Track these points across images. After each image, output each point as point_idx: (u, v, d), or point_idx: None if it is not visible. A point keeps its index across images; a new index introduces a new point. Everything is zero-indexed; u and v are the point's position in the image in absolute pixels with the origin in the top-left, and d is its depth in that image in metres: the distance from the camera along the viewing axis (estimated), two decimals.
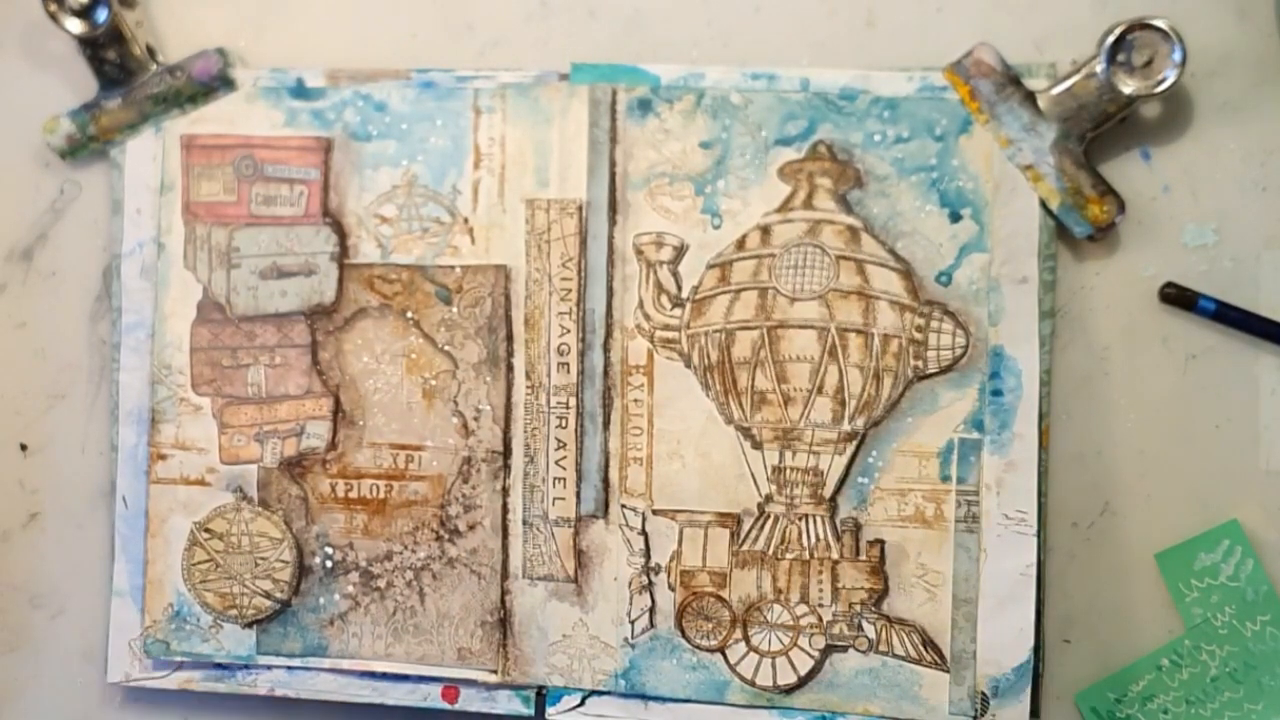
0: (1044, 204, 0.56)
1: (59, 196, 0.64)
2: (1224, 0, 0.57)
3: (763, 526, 0.58)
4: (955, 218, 0.57)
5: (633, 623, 0.58)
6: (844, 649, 0.57)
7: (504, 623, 0.59)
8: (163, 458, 0.61)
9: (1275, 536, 0.57)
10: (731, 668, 0.58)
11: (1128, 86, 0.55)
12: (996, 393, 0.56)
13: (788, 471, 0.58)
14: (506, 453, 0.59)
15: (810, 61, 0.59)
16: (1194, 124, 0.57)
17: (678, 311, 0.58)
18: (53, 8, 0.60)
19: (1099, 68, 0.55)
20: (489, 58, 0.61)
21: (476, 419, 0.59)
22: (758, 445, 0.58)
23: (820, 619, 0.57)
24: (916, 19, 0.58)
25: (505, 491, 0.59)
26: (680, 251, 0.58)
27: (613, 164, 0.59)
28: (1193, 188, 0.57)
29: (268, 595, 0.60)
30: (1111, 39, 0.55)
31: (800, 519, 0.57)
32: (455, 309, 0.60)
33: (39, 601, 0.64)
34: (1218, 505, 0.57)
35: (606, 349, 0.59)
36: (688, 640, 0.58)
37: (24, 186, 0.64)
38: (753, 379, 0.57)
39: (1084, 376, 0.58)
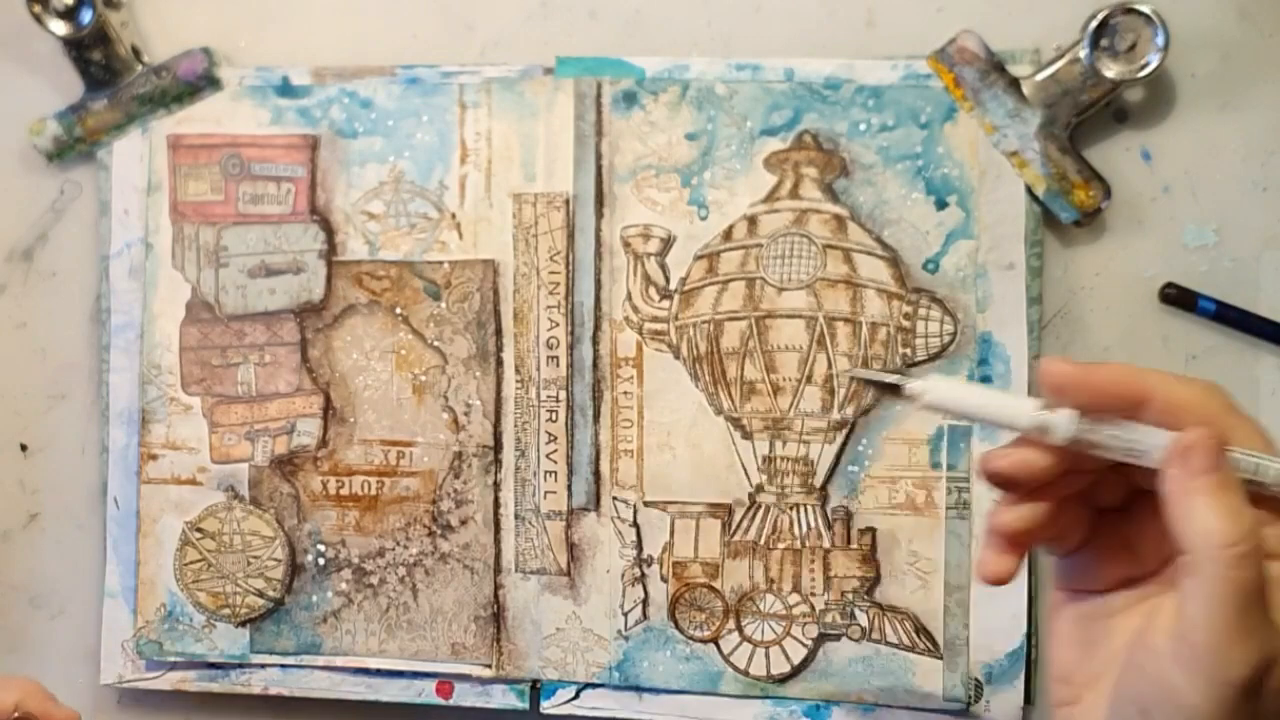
0: (1030, 190, 0.56)
1: (59, 197, 0.64)
2: (1225, 0, 0.57)
3: (754, 516, 0.58)
4: (941, 205, 0.57)
5: (626, 615, 0.58)
6: (837, 637, 0.57)
7: (497, 617, 0.59)
8: (153, 458, 0.61)
9: None
10: (725, 658, 0.58)
11: (1111, 71, 0.55)
12: (985, 379, 0.56)
13: (778, 461, 0.58)
14: (497, 447, 0.59)
15: None
16: (1194, 125, 0.57)
17: (666, 303, 0.58)
18: (37, 9, 0.60)
19: (1082, 53, 0.55)
20: (489, 58, 0.61)
21: (467, 414, 0.59)
22: (748, 435, 0.58)
23: (813, 608, 0.57)
24: (916, 19, 0.58)
25: (497, 486, 0.59)
26: (667, 243, 0.58)
27: (599, 157, 0.59)
28: (1193, 188, 0.57)
29: (260, 594, 0.60)
30: (1095, 24, 0.55)
31: (791, 508, 0.57)
32: (444, 304, 0.60)
33: (39, 602, 0.64)
34: None
35: (595, 342, 0.59)
36: (681, 631, 0.58)
37: (24, 187, 0.64)
38: (742, 369, 0.58)
39: None
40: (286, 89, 0.61)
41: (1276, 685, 0.35)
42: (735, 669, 0.58)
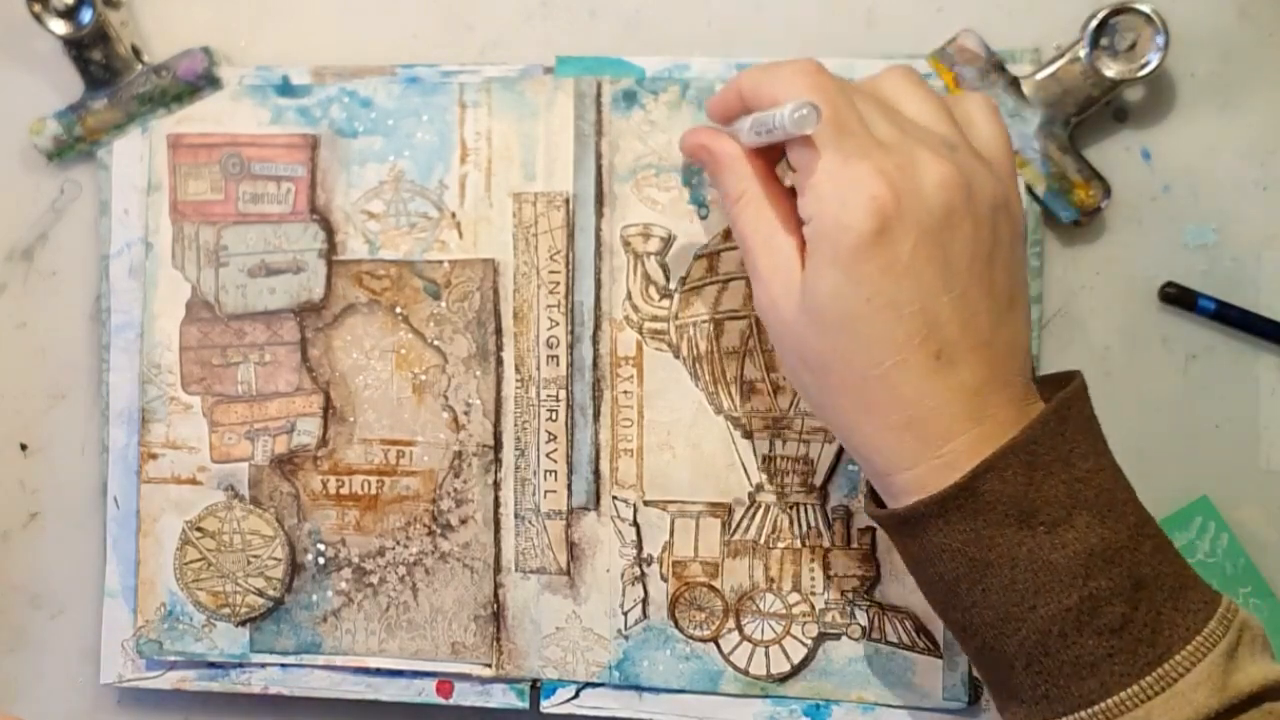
0: (1030, 189, 0.56)
1: (59, 196, 0.64)
2: (1225, 0, 0.57)
3: (754, 516, 0.58)
4: None
5: (625, 614, 0.58)
6: (837, 637, 0.57)
7: (497, 616, 0.59)
8: (153, 457, 0.61)
9: (1275, 537, 0.57)
10: (725, 657, 0.58)
11: (1111, 70, 0.55)
12: None
13: (778, 460, 0.58)
14: (497, 446, 0.59)
15: None
16: (1194, 124, 0.57)
17: (666, 302, 0.58)
18: (36, 8, 0.60)
19: (1082, 52, 0.55)
20: (489, 58, 0.61)
21: (467, 413, 0.59)
22: (748, 434, 0.58)
23: (813, 607, 0.57)
24: (916, 18, 0.58)
25: (497, 485, 0.59)
26: (668, 242, 0.58)
27: (599, 156, 0.59)
28: (1193, 188, 0.57)
29: (260, 593, 0.60)
30: (1095, 23, 0.55)
31: (791, 507, 0.58)
32: (444, 303, 0.60)
33: (39, 602, 0.64)
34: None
35: (595, 341, 0.59)
36: (681, 630, 0.58)
37: (24, 187, 0.64)
38: (741, 368, 0.58)
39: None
40: (286, 88, 0.61)
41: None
42: (735, 668, 0.58)
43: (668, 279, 0.58)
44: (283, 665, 0.61)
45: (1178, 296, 0.57)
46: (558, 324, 0.59)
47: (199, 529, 0.61)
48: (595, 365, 0.59)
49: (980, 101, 0.49)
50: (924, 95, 0.48)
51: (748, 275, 0.49)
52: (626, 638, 0.58)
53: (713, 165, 0.50)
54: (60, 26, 0.60)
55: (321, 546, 0.60)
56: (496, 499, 0.59)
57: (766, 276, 0.47)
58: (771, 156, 0.50)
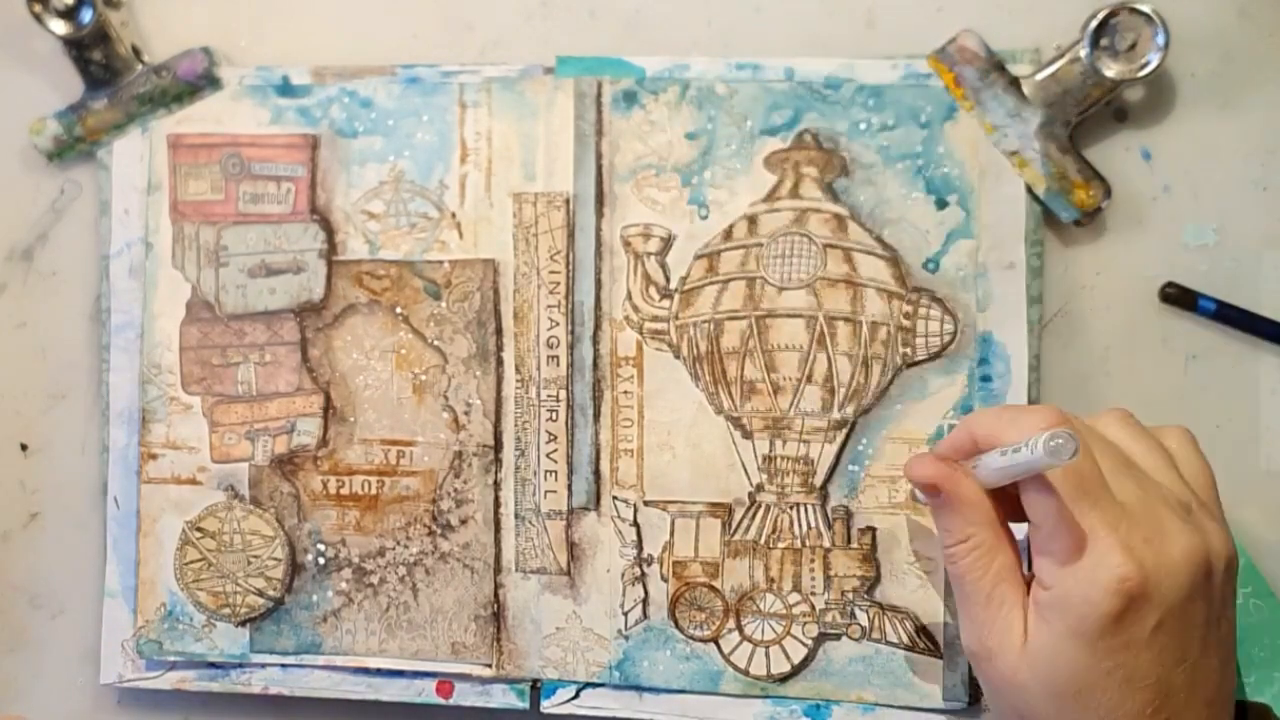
0: (1030, 189, 0.56)
1: (59, 196, 0.64)
2: (1225, 0, 0.57)
3: (754, 516, 0.58)
4: (942, 204, 0.57)
5: (626, 614, 0.58)
6: (837, 637, 0.57)
7: (497, 616, 0.59)
8: (154, 457, 0.61)
9: (1275, 537, 0.57)
10: (725, 657, 0.58)
11: (1111, 70, 0.55)
12: (985, 378, 0.56)
13: (778, 460, 0.58)
14: (498, 446, 0.59)
15: None
16: (1194, 124, 0.57)
17: (666, 302, 0.58)
18: (37, 8, 0.60)
19: (1082, 52, 0.55)
20: (489, 58, 0.61)
21: (467, 413, 0.59)
22: (748, 435, 0.58)
23: (813, 607, 0.57)
24: (916, 18, 0.58)
25: (497, 485, 0.59)
26: (668, 243, 0.58)
27: (599, 156, 0.59)
28: (1193, 188, 0.57)
29: (260, 593, 0.60)
30: (1095, 23, 0.55)
31: (792, 508, 0.57)
32: (444, 304, 0.60)
33: (39, 602, 0.64)
34: None
35: (596, 341, 0.59)
36: (681, 631, 0.58)
37: (24, 187, 0.64)
38: (742, 369, 0.58)
39: (1084, 376, 0.57)
40: (286, 89, 0.61)
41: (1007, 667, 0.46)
42: (735, 668, 0.58)
43: (668, 279, 0.58)
44: (283, 665, 0.61)
45: (1178, 296, 0.57)
46: (558, 324, 0.59)
47: (199, 529, 0.61)
48: (595, 365, 0.59)
49: (1183, 437, 0.49)
50: (1147, 441, 0.47)
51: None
52: (627, 638, 0.58)
53: (944, 503, 0.48)
54: (60, 26, 0.60)
55: (321, 546, 0.60)
56: (497, 499, 0.59)
57: (983, 624, 0.47)
58: (999, 502, 0.48)
